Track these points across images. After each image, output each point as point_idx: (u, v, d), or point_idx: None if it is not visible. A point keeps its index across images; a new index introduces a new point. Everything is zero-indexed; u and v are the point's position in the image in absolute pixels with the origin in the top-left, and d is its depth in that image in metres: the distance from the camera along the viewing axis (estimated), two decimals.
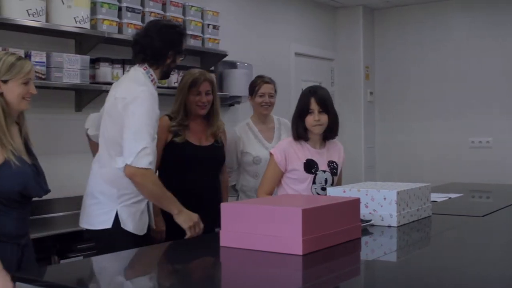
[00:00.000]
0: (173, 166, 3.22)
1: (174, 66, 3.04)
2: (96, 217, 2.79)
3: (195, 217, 2.77)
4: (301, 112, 3.09)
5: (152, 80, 2.90)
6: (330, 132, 3.16)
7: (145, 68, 2.90)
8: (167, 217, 2.91)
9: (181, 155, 3.22)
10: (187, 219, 2.75)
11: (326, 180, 3.12)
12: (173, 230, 2.88)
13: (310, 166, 3.10)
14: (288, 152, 3.09)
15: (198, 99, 3.25)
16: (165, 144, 3.19)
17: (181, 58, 3.02)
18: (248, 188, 3.66)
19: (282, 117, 3.88)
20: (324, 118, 3.08)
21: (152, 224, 3.03)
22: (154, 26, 2.97)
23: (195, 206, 2.88)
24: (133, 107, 2.71)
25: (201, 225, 2.79)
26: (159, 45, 2.89)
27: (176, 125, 3.23)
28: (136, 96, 2.73)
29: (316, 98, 3.07)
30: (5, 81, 2.48)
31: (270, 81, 3.79)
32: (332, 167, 3.17)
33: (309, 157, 3.11)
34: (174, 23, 3.10)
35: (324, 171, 3.12)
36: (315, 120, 3.06)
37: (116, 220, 2.76)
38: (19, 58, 2.54)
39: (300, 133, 3.12)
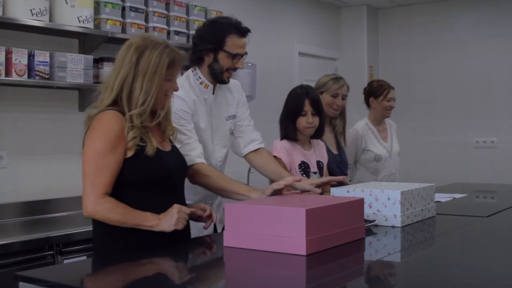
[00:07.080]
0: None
1: (220, 67, 2.70)
2: None
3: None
4: (294, 113, 3.02)
5: (201, 83, 2.75)
6: (317, 134, 3.11)
7: (193, 70, 2.78)
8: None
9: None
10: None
11: None
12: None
13: (303, 170, 3.07)
14: (290, 153, 3.06)
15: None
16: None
17: (235, 60, 2.68)
18: None
19: None
20: (317, 121, 3.03)
21: None
22: (203, 23, 2.86)
23: None
24: None
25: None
26: (195, 42, 2.76)
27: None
28: None
29: (310, 100, 3.01)
30: None
31: (393, 88, 4.10)
32: (320, 167, 3.14)
33: (302, 160, 3.08)
34: (223, 17, 2.83)
35: (315, 173, 3.10)
36: (309, 122, 3.00)
37: None
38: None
39: (289, 134, 3.05)
